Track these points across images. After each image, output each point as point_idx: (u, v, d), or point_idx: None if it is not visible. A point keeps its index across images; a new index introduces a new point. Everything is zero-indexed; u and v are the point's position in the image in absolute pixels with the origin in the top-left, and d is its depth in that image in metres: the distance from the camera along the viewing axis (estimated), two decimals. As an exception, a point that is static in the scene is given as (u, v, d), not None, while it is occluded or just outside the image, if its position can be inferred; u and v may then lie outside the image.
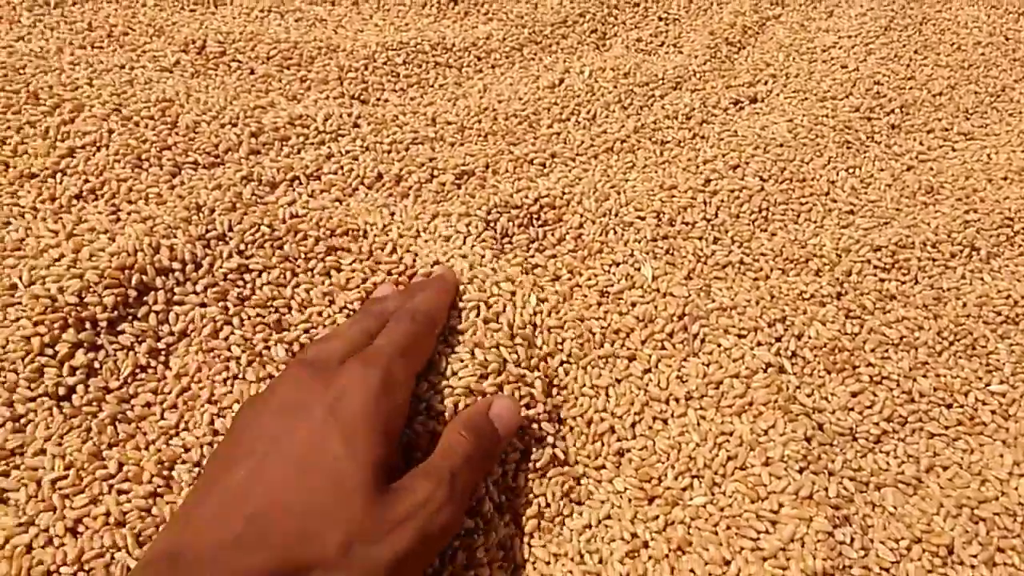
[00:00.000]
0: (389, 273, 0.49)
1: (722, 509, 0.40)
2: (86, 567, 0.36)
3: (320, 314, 0.47)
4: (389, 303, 0.43)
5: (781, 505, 0.39)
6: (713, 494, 0.41)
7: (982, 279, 0.54)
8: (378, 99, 0.68)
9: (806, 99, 0.72)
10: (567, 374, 0.45)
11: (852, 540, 0.39)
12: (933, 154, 0.67)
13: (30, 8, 0.69)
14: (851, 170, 0.64)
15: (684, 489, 0.41)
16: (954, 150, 0.67)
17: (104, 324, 0.43)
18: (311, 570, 0.30)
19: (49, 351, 0.42)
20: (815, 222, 0.59)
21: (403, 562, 0.31)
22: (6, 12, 0.68)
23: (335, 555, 0.30)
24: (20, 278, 0.44)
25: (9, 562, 0.35)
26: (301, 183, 0.56)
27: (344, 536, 0.31)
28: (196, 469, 0.40)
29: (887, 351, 0.49)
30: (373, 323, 0.41)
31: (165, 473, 0.40)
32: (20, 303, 0.43)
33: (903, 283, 0.54)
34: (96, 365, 0.42)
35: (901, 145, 0.67)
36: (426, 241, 0.52)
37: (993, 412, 0.46)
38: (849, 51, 0.79)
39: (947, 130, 0.70)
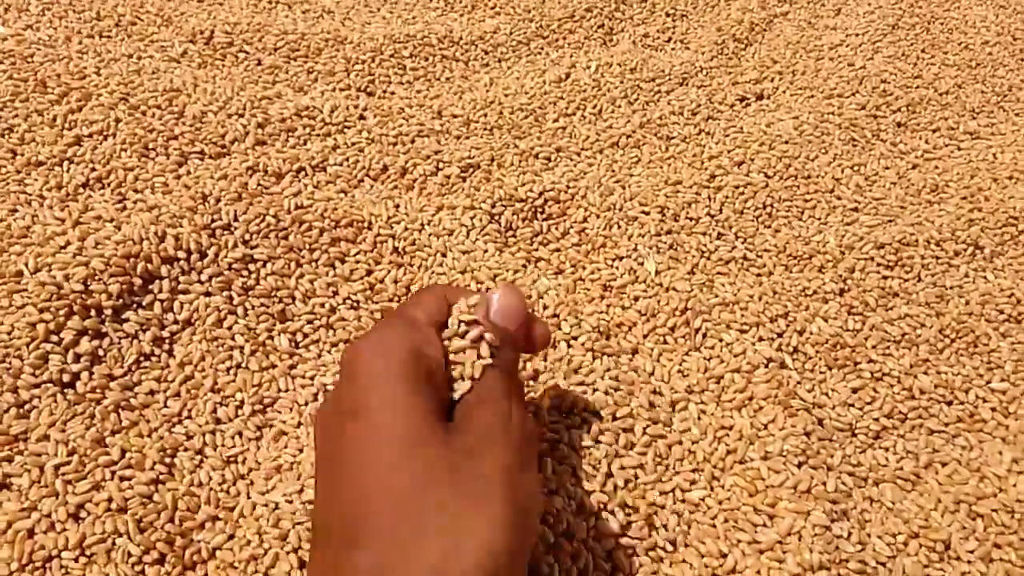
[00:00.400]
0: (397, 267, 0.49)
1: (720, 502, 0.40)
2: (88, 552, 0.36)
3: (323, 305, 0.48)
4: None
5: (779, 499, 0.39)
6: (712, 488, 0.41)
7: (985, 277, 0.54)
8: (384, 91, 0.68)
9: (812, 96, 0.72)
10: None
11: (849, 534, 0.39)
12: (939, 153, 0.67)
13: (39, -3, 0.69)
14: (856, 168, 0.64)
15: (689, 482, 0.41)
16: (960, 149, 0.67)
17: (109, 312, 0.44)
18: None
19: (54, 338, 0.42)
20: (819, 219, 0.59)
21: (523, 465, 0.30)
22: (15, 0, 0.68)
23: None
24: (26, 265, 0.45)
25: (11, 546, 0.35)
26: (307, 174, 0.56)
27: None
28: (198, 457, 0.40)
29: (888, 348, 0.49)
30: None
31: (167, 460, 0.40)
32: (26, 290, 0.43)
33: (906, 280, 0.54)
34: (100, 353, 0.43)
35: (907, 143, 0.67)
36: (431, 234, 0.52)
37: (993, 409, 0.46)
38: (856, 49, 0.79)
39: (953, 129, 0.70)
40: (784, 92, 0.73)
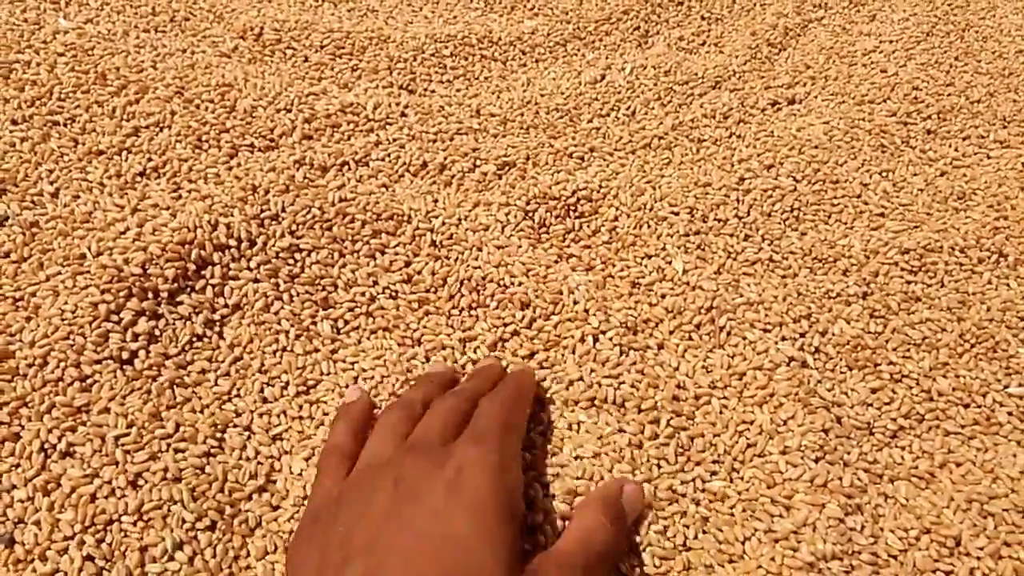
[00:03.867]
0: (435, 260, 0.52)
1: (739, 493, 0.42)
2: (145, 517, 0.39)
3: (364, 294, 0.50)
4: (476, 382, 0.42)
5: (796, 491, 0.41)
6: (731, 479, 0.43)
7: (1008, 285, 0.56)
8: (425, 89, 0.71)
9: (844, 102, 0.73)
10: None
11: (863, 528, 0.40)
12: (967, 160, 0.68)
13: (98, -8, 0.72)
14: (884, 174, 0.65)
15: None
16: (989, 157, 0.68)
17: (165, 295, 0.47)
18: None
19: (114, 318, 0.45)
20: (845, 223, 0.60)
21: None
22: (76, -4, 0.71)
23: None
24: (89, 249, 0.48)
25: (75, 510, 0.38)
26: (350, 168, 0.58)
27: None
28: (246, 432, 0.43)
29: (909, 350, 0.50)
30: (459, 402, 0.39)
31: (218, 435, 0.43)
32: (88, 272, 0.46)
33: (929, 286, 0.55)
34: (157, 332, 0.46)
35: (936, 151, 0.68)
36: (467, 229, 0.54)
37: (1010, 413, 0.47)
38: (890, 56, 0.80)
39: (983, 137, 0.70)
40: (816, 97, 0.74)
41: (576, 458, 0.42)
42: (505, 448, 0.36)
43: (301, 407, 0.45)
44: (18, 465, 0.39)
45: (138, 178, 0.55)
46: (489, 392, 0.41)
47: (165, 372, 0.44)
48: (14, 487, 0.38)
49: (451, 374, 0.45)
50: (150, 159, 0.56)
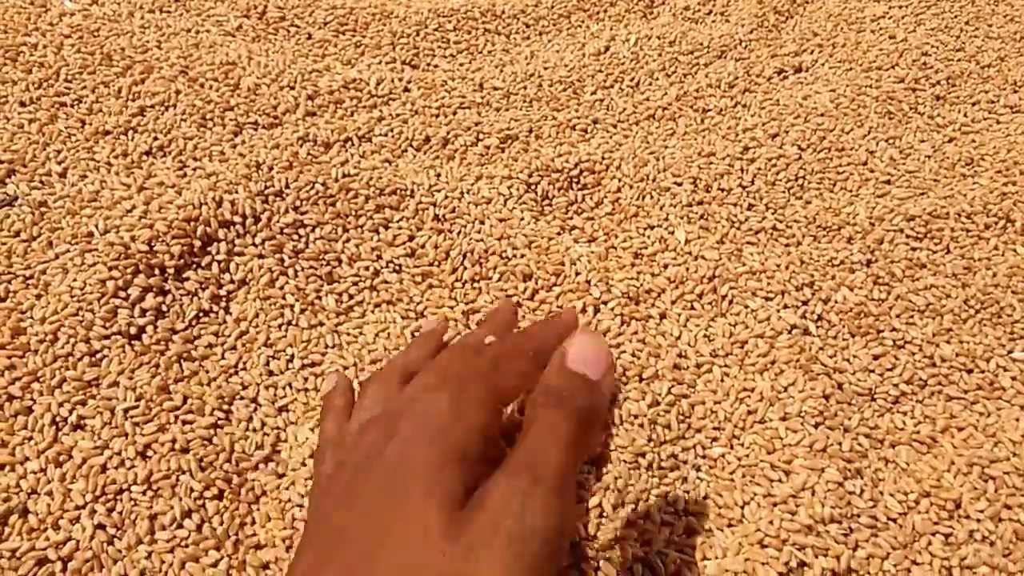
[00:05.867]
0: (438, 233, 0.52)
1: (739, 459, 0.42)
2: (154, 487, 0.39)
3: (368, 268, 0.51)
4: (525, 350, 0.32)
5: (795, 456, 0.41)
6: (732, 445, 0.43)
7: (1015, 250, 0.55)
8: (428, 64, 0.71)
9: (851, 69, 0.72)
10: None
11: (862, 492, 0.41)
12: (976, 126, 0.67)
13: (103, -26, 0.73)
14: (891, 141, 0.64)
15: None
16: (998, 123, 0.68)
17: (172, 271, 0.47)
18: None
19: (122, 294, 0.46)
20: (851, 191, 0.60)
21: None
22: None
23: None
24: (96, 227, 0.48)
25: (86, 480, 0.39)
26: (353, 144, 0.59)
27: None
28: (252, 404, 0.44)
29: (912, 317, 0.50)
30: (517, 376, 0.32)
31: (225, 407, 0.43)
32: (96, 249, 0.47)
33: (934, 252, 0.55)
34: (164, 308, 0.46)
35: (944, 117, 0.68)
36: (470, 202, 0.54)
37: (1013, 378, 0.47)
38: (899, 21, 0.79)
39: (993, 102, 0.70)
40: (823, 65, 0.74)
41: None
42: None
43: (306, 379, 0.45)
44: (31, 438, 0.40)
45: (144, 157, 0.55)
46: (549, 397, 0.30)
47: (172, 346, 0.45)
48: (27, 459, 0.39)
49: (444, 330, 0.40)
50: (156, 138, 0.56)
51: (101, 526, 0.38)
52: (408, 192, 0.54)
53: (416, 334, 0.47)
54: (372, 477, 0.28)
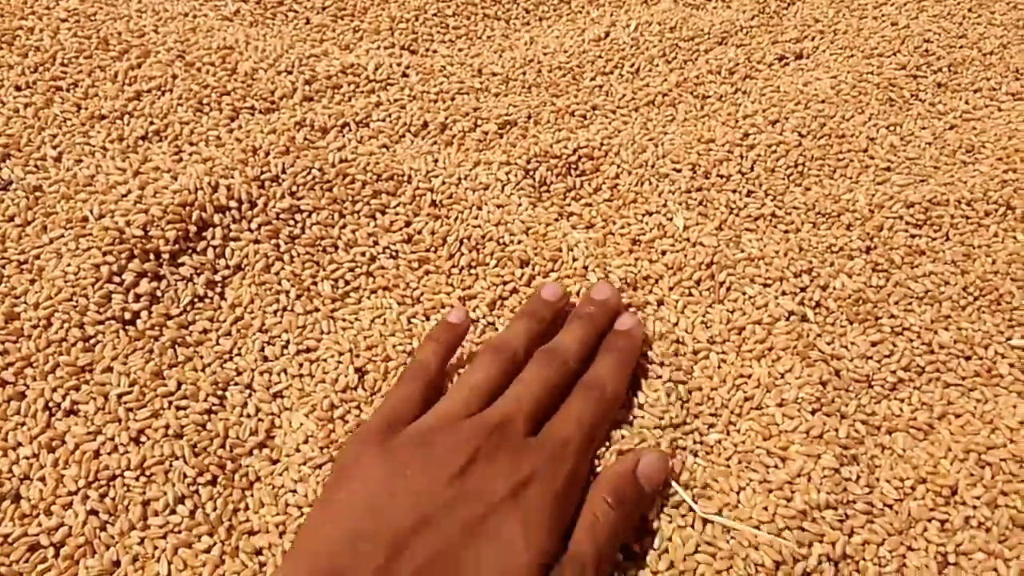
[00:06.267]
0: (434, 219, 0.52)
1: (736, 445, 0.42)
2: (147, 472, 0.39)
3: (364, 254, 0.50)
4: (570, 348, 0.41)
5: (791, 443, 0.41)
6: (728, 432, 0.43)
7: (1015, 237, 0.55)
8: (427, 50, 0.70)
9: (852, 56, 0.72)
10: None
11: (858, 478, 0.40)
12: (978, 113, 0.66)
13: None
14: (892, 127, 0.64)
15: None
16: (1000, 110, 0.67)
17: (166, 256, 0.47)
18: None
19: (116, 279, 0.46)
20: (850, 178, 0.59)
21: None
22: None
23: None
24: (91, 211, 0.48)
25: (79, 465, 0.39)
26: (351, 129, 0.58)
27: None
28: (247, 390, 0.44)
29: (911, 304, 0.50)
30: (555, 375, 0.40)
31: (219, 393, 0.43)
32: (91, 234, 0.47)
33: (934, 239, 0.55)
34: (159, 293, 0.46)
35: (946, 104, 0.67)
36: (467, 188, 0.54)
37: (1012, 365, 0.47)
38: (901, 8, 0.79)
39: (995, 90, 0.69)
40: (824, 51, 0.73)
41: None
42: (579, 467, 0.37)
43: (301, 365, 0.45)
44: (24, 423, 0.40)
45: (140, 142, 0.55)
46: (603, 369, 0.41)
47: (167, 332, 0.45)
48: (20, 444, 0.39)
49: (561, 302, 0.45)
50: (152, 123, 0.56)
51: (94, 512, 0.38)
52: (405, 178, 0.54)
53: (476, 348, 0.46)
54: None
